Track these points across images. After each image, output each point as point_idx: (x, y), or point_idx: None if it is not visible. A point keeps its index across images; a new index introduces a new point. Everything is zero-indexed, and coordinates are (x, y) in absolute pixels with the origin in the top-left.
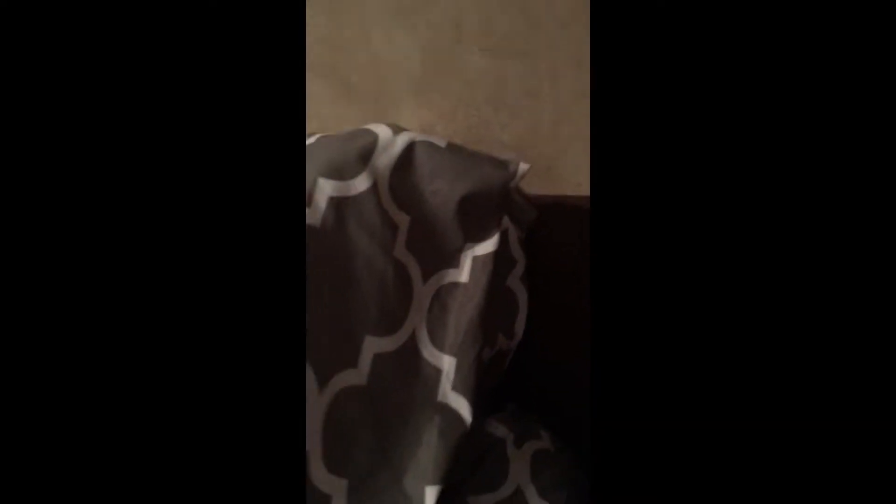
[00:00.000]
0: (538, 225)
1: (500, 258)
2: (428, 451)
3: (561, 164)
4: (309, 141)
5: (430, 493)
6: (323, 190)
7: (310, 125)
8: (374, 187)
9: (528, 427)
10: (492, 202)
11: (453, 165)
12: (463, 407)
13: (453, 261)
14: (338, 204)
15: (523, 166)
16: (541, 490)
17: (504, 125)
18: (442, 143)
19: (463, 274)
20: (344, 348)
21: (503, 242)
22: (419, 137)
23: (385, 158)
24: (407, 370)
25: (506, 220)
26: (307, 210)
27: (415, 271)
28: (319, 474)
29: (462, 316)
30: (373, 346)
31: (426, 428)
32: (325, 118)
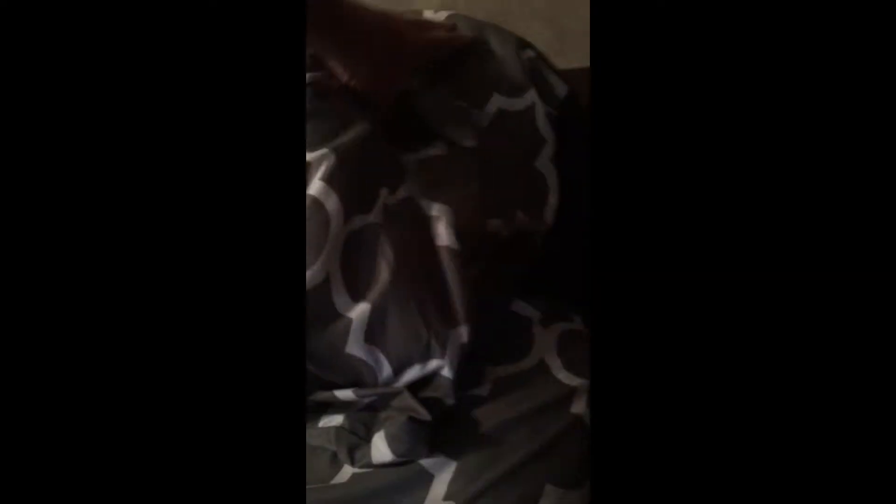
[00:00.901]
0: (574, 101)
1: (521, 135)
2: None
3: None
4: None
5: None
6: None
7: None
8: None
9: (559, 309)
10: None
11: None
12: None
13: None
14: None
15: None
16: (567, 363)
17: None
18: None
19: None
20: None
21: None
22: None
23: None
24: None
25: (532, 94)
26: None
27: None
28: None
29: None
30: None
31: None
32: None
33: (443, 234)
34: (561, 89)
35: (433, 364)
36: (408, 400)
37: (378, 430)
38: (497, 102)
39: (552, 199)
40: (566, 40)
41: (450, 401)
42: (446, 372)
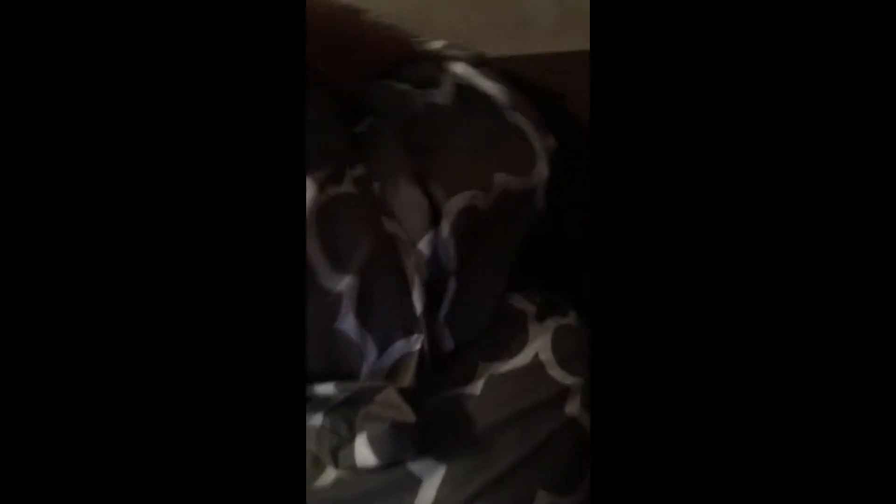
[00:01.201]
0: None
1: (476, 99)
2: None
3: None
4: None
5: None
6: None
7: None
8: None
9: (554, 302)
10: None
11: None
12: None
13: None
14: None
15: None
16: (561, 360)
17: None
18: None
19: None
20: None
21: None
22: None
23: None
24: None
25: (459, 65)
26: None
27: None
28: None
29: None
30: None
31: None
32: None
33: (386, 222)
34: (474, 58)
35: (414, 337)
36: (393, 396)
37: (360, 430)
38: (450, 79)
39: (538, 148)
40: (573, 18)
41: (410, 382)
42: (418, 345)
